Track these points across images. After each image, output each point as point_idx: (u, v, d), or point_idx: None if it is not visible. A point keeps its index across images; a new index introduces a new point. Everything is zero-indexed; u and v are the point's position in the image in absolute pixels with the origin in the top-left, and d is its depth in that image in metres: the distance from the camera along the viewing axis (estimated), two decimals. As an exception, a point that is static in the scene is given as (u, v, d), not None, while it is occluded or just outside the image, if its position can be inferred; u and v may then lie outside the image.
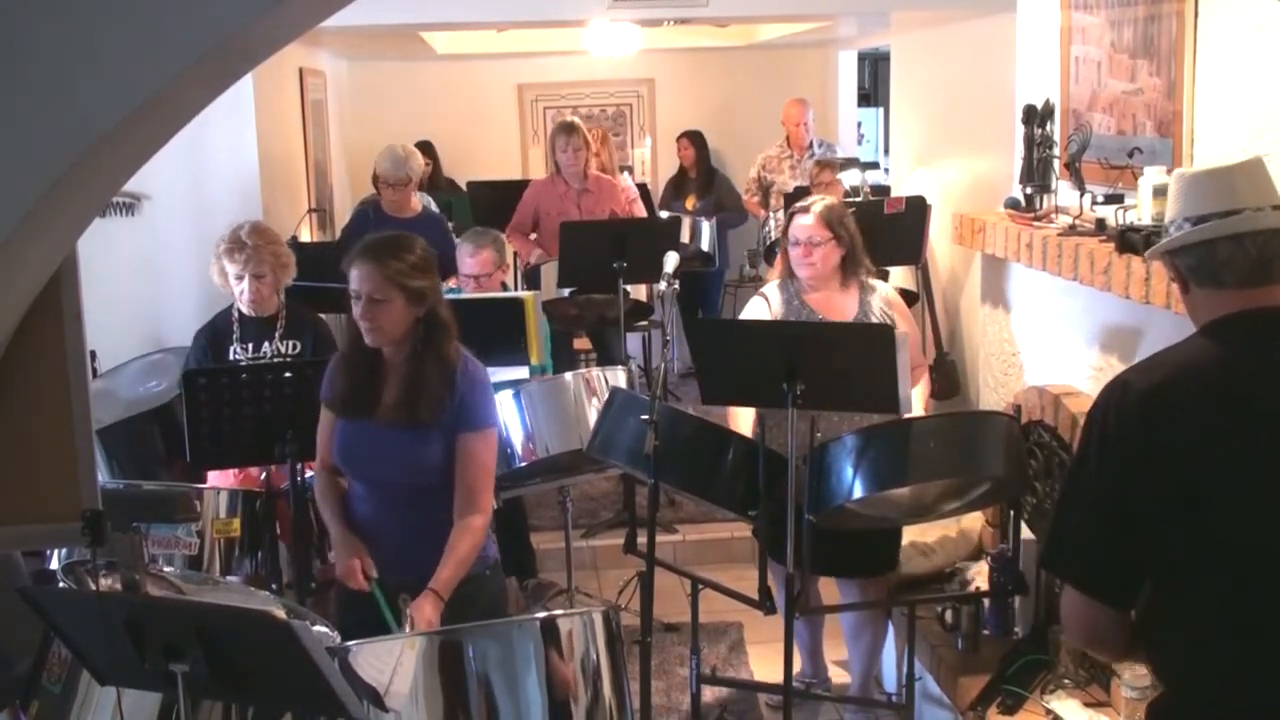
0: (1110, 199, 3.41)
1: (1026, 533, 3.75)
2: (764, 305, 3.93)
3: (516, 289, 6.17)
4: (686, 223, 6.81)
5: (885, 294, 3.92)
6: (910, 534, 3.93)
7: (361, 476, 3.09)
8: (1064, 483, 2.09)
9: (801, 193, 6.39)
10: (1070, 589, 2.02)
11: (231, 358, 3.96)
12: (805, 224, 3.81)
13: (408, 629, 2.83)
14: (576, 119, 6.20)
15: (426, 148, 8.07)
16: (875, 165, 7.69)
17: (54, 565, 3.21)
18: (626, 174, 7.79)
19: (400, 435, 2.96)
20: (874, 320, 3.78)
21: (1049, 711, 3.27)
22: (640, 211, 6.45)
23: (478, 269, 4.53)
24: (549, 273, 5.49)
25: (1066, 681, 3.36)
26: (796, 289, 3.88)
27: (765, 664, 4.50)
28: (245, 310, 3.98)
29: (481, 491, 3.02)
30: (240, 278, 3.90)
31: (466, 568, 2.97)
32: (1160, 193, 3.13)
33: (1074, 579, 2.01)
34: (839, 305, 3.83)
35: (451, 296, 4.45)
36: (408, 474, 2.99)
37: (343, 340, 3.10)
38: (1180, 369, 1.96)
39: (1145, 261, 3.06)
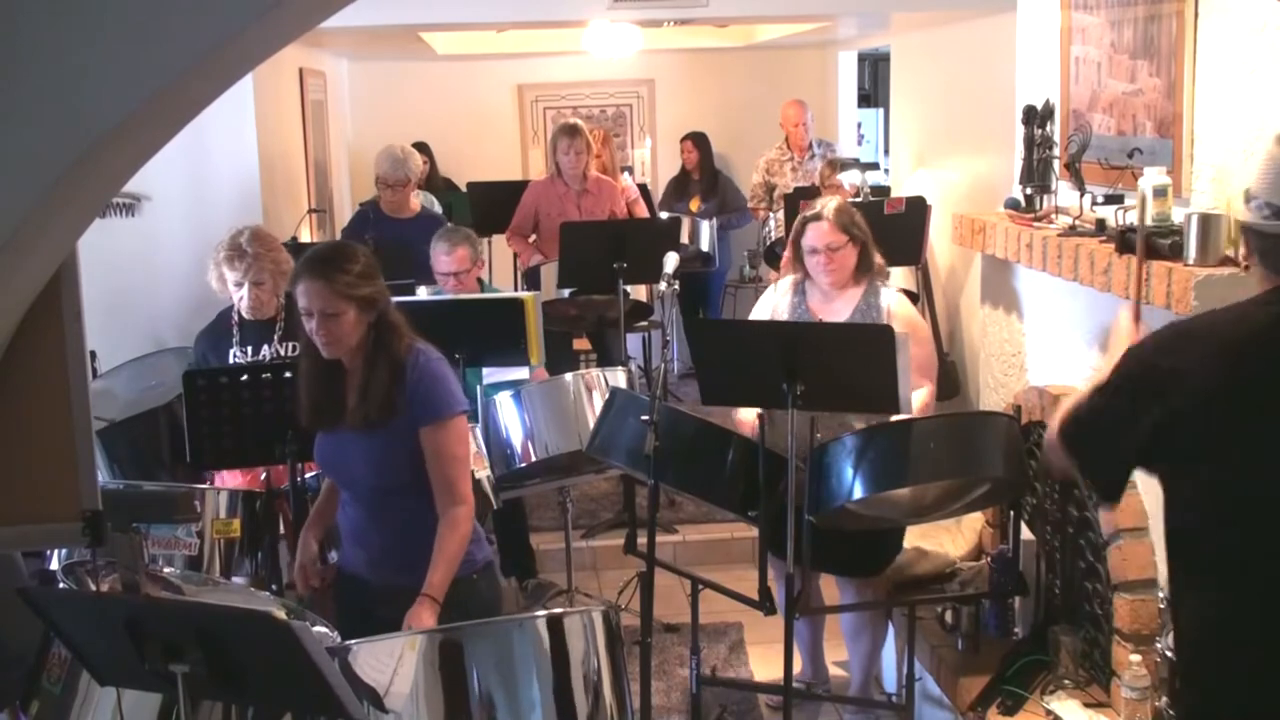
0: (1110, 199, 3.41)
1: (1026, 533, 3.75)
2: (771, 295, 3.98)
3: (516, 289, 6.18)
4: (686, 223, 6.80)
5: (889, 304, 3.83)
6: (911, 535, 3.93)
7: (340, 482, 3.12)
8: (1100, 385, 2.20)
9: (802, 193, 6.39)
10: (1056, 440, 2.23)
11: (231, 361, 3.95)
12: (821, 230, 3.76)
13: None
14: (579, 121, 6.19)
15: (422, 148, 8.07)
16: (875, 166, 7.68)
17: (54, 565, 3.21)
18: (627, 174, 7.79)
19: (364, 439, 2.95)
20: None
21: (1049, 712, 3.27)
22: (642, 211, 6.45)
23: (455, 266, 4.53)
24: (549, 273, 5.49)
25: (1066, 682, 3.36)
26: (805, 290, 3.88)
27: (765, 664, 4.50)
28: (244, 314, 3.98)
29: (456, 481, 2.97)
30: (240, 285, 3.90)
31: (457, 564, 2.93)
32: (1160, 193, 3.13)
33: (1064, 437, 2.20)
34: (835, 308, 3.82)
35: (449, 297, 4.47)
36: (376, 475, 2.99)
37: (300, 357, 3.07)
38: (1206, 331, 2.05)
39: (1144, 262, 3.07)
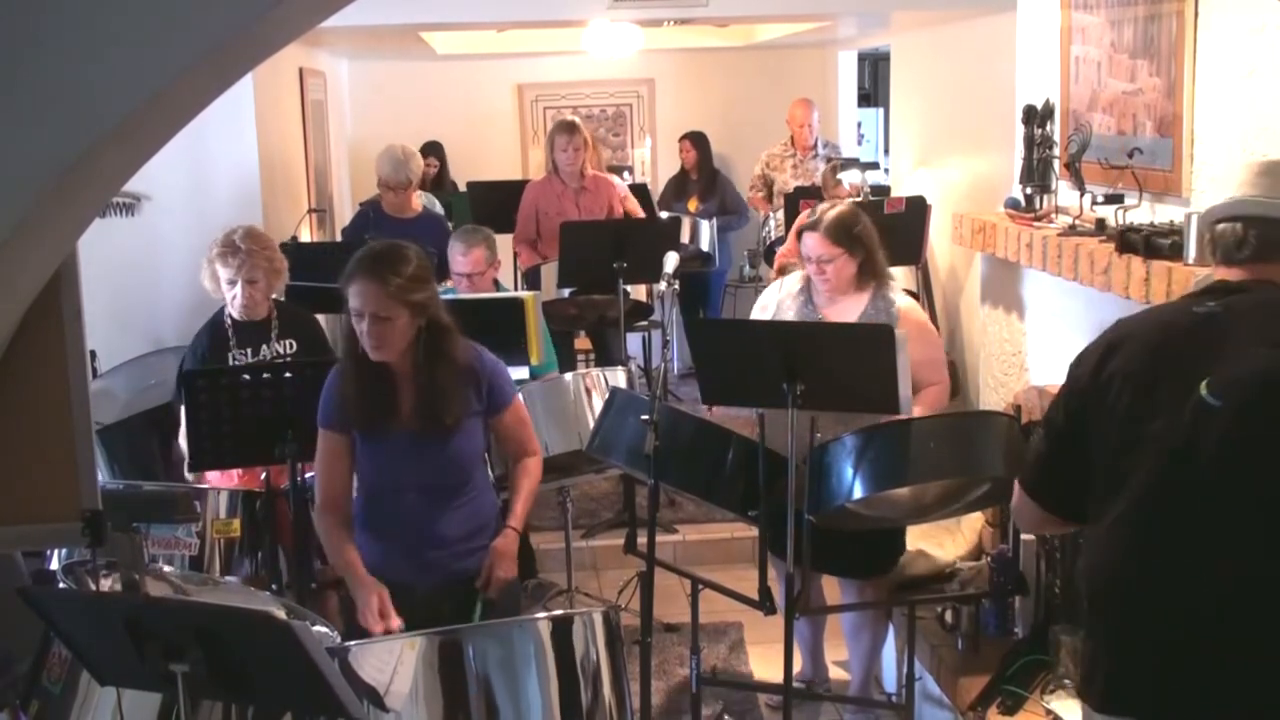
0: (1110, 199, 3.41)
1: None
2: (775, 292, 3.95)
3: (516, 288, 6.17)
4: (686, 223, 6.80)
5: (900, 305, 3.79)
6: (911, 535, 3.93)
7: (395, 486, 3.04)
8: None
9: (803, 192, 6.39)
10: (1020, 490, 2.45)
11: (231, 364, 3.94)
12: (812, 243, 3.72)
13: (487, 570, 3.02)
14: (576, 118, 6.18)
15: (435, 148, 8.07)
16: (875, 165, 7.68)
17: (54, 565, 3.21)
18: (625, 175, 7.78)
19: (432, 440, 2.97)
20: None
21: (1049, 712, 3.27)
22: (634, 207, 6.35)
23: (470, 267, 4.52)
24: (549, 273, 5.49)
25: (1066, 682, 3.36)
26: (811, 290, 3.86)
27: (765, 664, 4.50)
28: (236, 315, 3.95)
29: (529, 439, 3.27)
30: (233, 283, 3.86)
31: (533, 500, 3.25)
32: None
33: (1026, 487, 2.44)
34: (843, 310, 3.80)
35: (450, 297, 4.46)
36: (451, 474, 3.03)
37: (342, 356, 3.05)
38: (1133, 329, 2.26)
39: (1145, 261, 3.07)
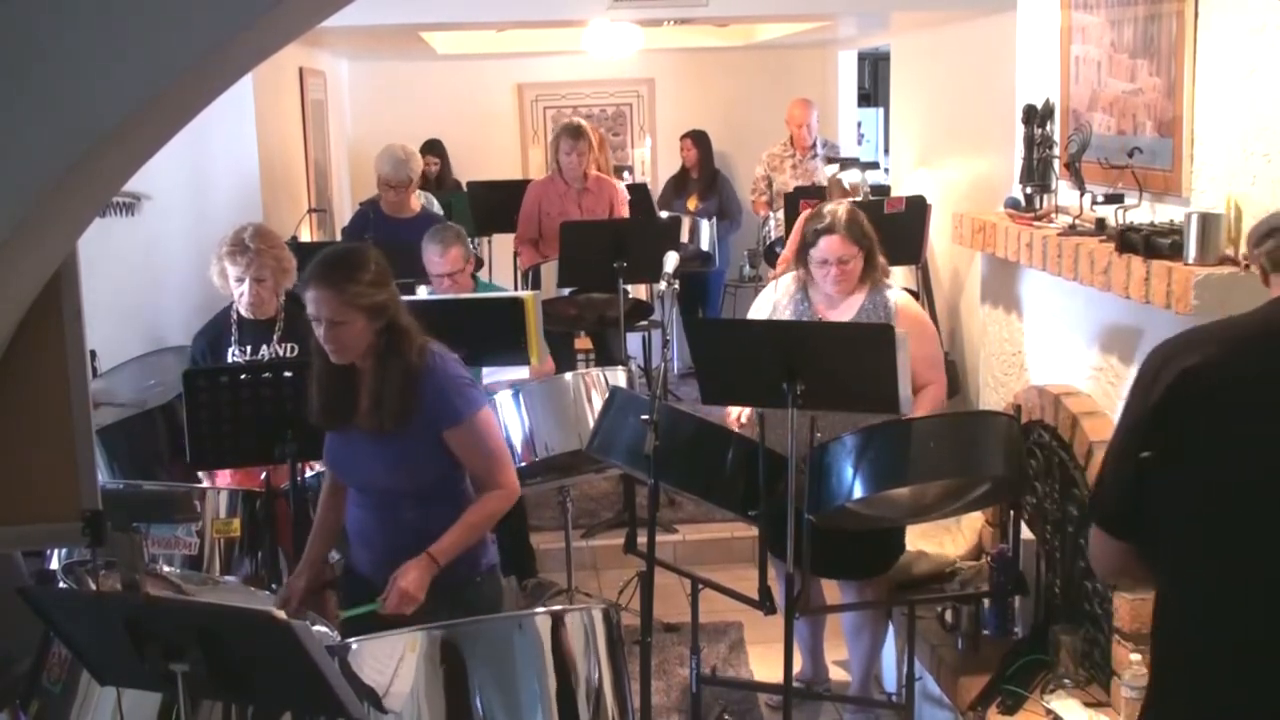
0: (1110, 199, 3.41)
1: (1026, 533, 3.75)
2: (771, 293, 3.97)
3: (516, 288, 6.17)
4: (686, 222, 6.80)
5: (897, 301, 3.81)
6: (911, 535, 3.93)
7: (352, 482, 3.10)
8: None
9: (803, 192, 6.39)
10: (1095, 529, 2.08)
11: (229, 360, 3.95)
12: (834, 243, 3.71)
13: (390, 584, 2.83)
14: (583, 121, 6.17)
15: (436, 146, 8.07)
16: (875, 165, 7.68)
17: (54, 565, 3.21)
18: (625, 175, 7.78)
19: (376, 441, 2.94)
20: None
21: (1049, 711, 3.27)
22: (623, 211, 6.36)
23: (449, 266, 4.51)
24: (549, 272, 5.49)
25: (1066, 681, 3.36)
26: (808, 290, 3.87)
27: (765, 664, 4.50)
28: (244, 313, 3.97)
29: (494, 472, 3.00)
30: (241, 280, 3.89)
31: (472, 537, 2.95)
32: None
33: (1099, 520, 2.08)
34: (840, 310, 3.81)
35: (450, 296, 4.46)
36: (391, 478, 2.98)
37: (312, 355, 3.04)
38: (1228, 350, 1.94)
39: (1145, 261, 3.07)
